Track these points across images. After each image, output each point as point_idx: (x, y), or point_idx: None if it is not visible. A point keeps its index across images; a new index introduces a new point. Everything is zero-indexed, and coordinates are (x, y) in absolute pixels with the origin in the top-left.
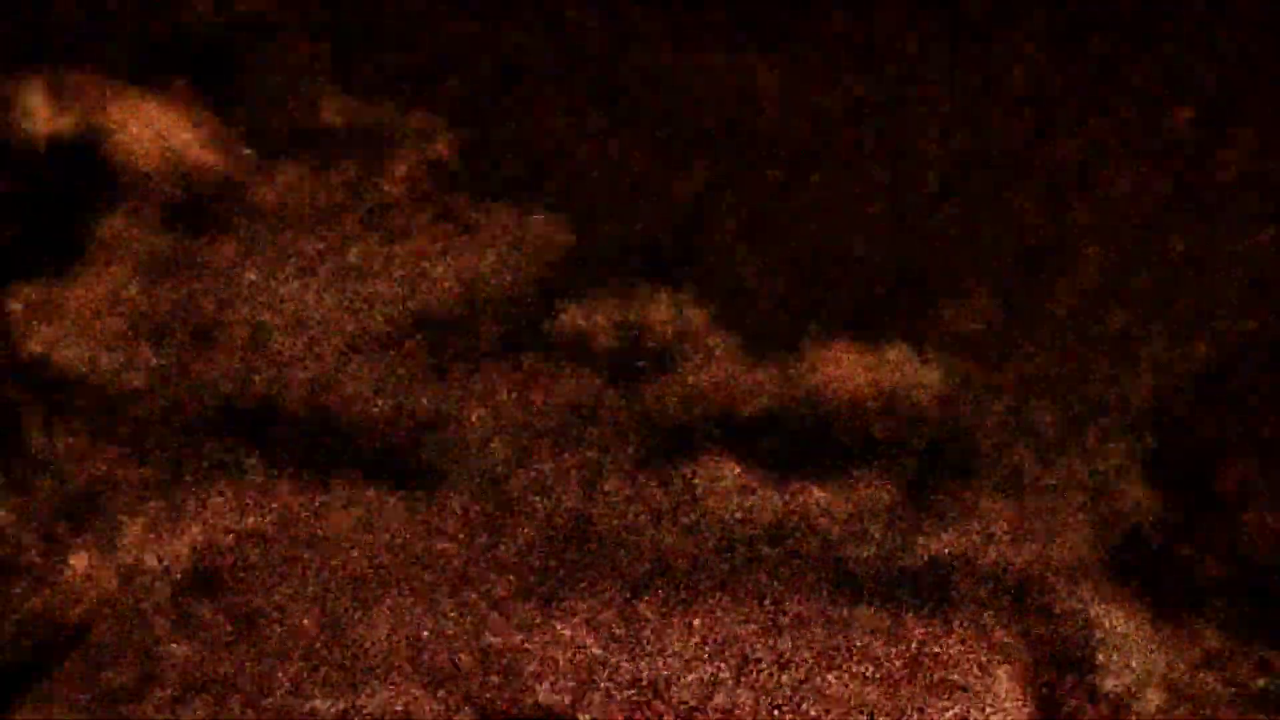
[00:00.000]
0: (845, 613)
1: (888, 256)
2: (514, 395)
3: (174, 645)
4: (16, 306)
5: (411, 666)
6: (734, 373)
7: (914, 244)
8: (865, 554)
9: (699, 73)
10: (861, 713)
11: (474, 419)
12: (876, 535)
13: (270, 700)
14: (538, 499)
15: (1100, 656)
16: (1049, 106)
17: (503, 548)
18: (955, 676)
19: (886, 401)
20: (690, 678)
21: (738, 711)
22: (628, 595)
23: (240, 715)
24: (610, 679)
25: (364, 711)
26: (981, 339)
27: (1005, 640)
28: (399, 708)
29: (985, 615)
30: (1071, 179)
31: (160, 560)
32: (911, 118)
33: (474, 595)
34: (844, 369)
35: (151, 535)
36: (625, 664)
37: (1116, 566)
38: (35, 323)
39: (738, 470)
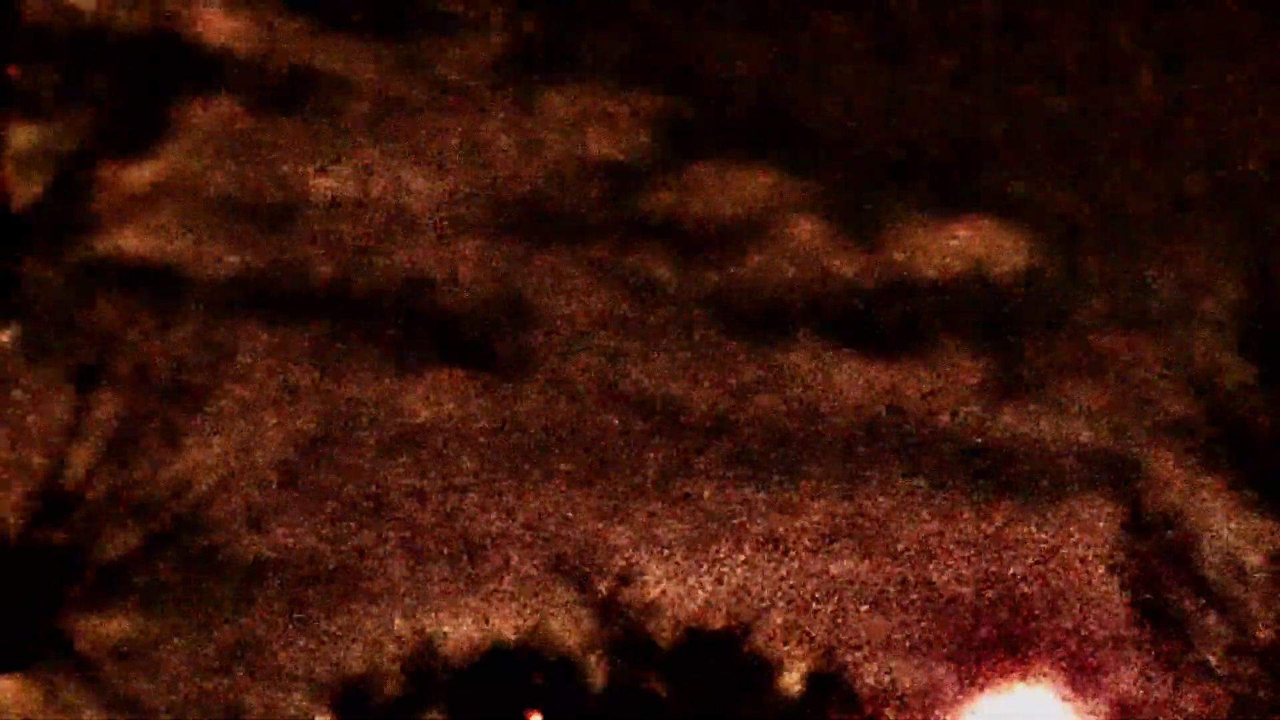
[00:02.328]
0: (936, 494)
1: (977, 131)
2: (600, 278)
3: (273, 534)
4: (102, 192)
5: (505, 549)
6: (819, 252)
7: (1006, 119)
8: (954, 432)
9: None
10: (958, 601)
11: (561, 301)
12: (965, 413)
13: (372, 584)
14: (623, 383)
15: (1197, 539)
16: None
17: (580, 433)
18: (1053, 566)
19: (972, 278)
20: (775, 557)
21: (821, 598)
22: (716, 478)
23: (350, 601)
24: (708, 560)
25: (475, 590)
26: (1074, 216)
27: (1100, 525)
28: (507, 587)
29: (1078, 497)
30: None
31: (261, 447)
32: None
33: (560, 477)
34: (928, 245)
35: (251, 423)
36: (719, 552)
37: (1211, 445)
38: (121, 208)
39: (825, 352)
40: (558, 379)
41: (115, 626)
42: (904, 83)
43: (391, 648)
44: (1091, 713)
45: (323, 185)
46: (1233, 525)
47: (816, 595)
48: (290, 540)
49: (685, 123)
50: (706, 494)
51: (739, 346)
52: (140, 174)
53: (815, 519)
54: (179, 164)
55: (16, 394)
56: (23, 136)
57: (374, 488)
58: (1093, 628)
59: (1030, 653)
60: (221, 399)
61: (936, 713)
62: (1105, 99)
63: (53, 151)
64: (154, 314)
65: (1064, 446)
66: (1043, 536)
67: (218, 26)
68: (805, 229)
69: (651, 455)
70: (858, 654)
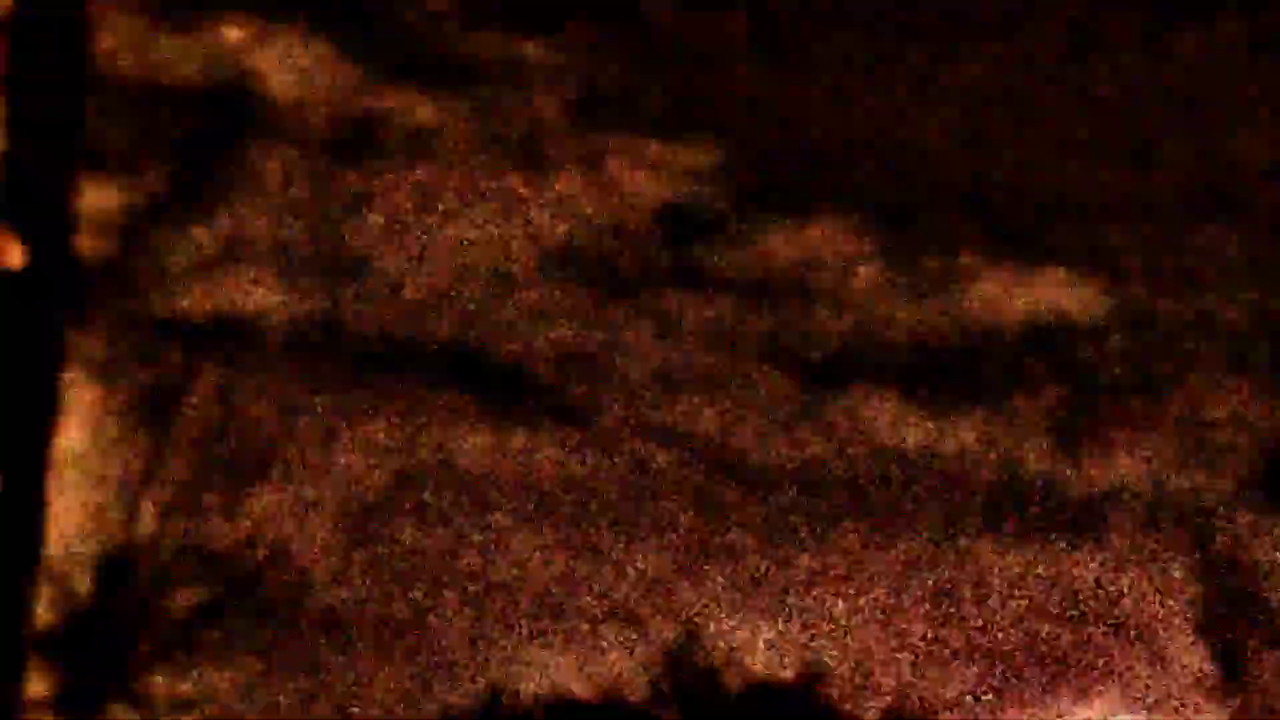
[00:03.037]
0: (1004, 545)
1: (1045, 180)
2: (662, 327)
3: (343, 587)
4: (171, 247)
5: (573, 601)
6: (881, 301)
7: (1079, 170)
8: (1023, 484)
9: (859, 4)
10: (1030, 649)
11: (623, 353)
12: (1034, 465)
13: (439, 639)
14: (685, 431)
15: (1267, 585)
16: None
17: (654, 480)
18: (1123, 614)
19: (1042, 329)
20: (844, 608)
21: (896, 645)
22: (783, 529)
23: (416, 654)
24: (776, 611)
25: (539, 644)
26: (1145, 269)
27: (1175, 578)
28: (575, 640)
29: (1151, 550)
30: (1257, 114)
31: (329, 498)
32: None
33: (626, 528)
34: (997, 296)
35: (318, 477)
36: (787, 603)
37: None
38: (192, 265)
39: (890, 401)
40: (622, 433)
41: (185, 682)
42: (970, 132)
43: (459, 703)
44: None
45: (385, 236)
46: None
47: (886, 645)
48: (357, 595)
49: (747, 172)
50: (774, 545)
51: (803, 398)
52: (207, 228)
53: (883, 570)
54: (245, 218)
55: (87, 449)
56: (93, 195)
57: (441, 542)
58: (1163, 674)
59: (1101, 701)
60: (289, 453)
61: None
62: (1184, 152)
63: (122, 209)
64: (222, 369)
65: (1133, 496)
66: (1113, 585)
67: (282, 78)
68: (867, 278)
69: (718, 508)
70: (927, 704)
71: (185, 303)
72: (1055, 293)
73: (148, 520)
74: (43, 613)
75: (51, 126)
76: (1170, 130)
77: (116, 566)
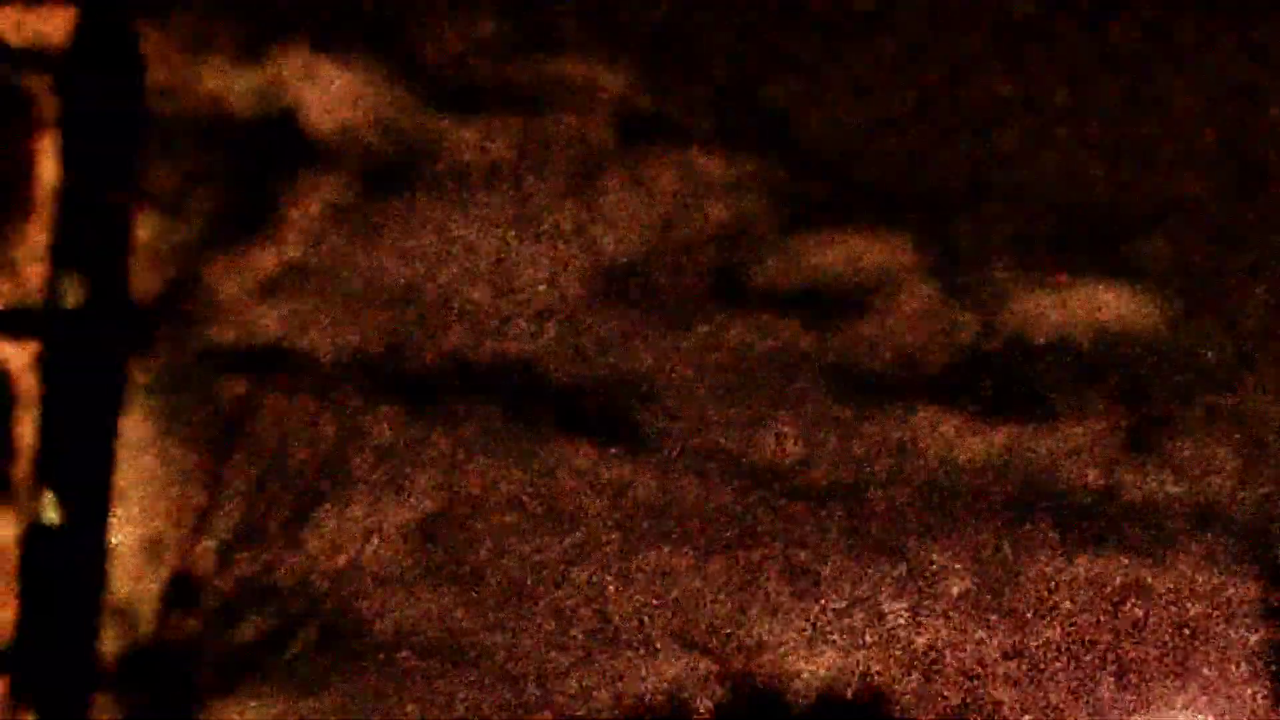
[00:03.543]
0: (1064, 555)
1: (1093, 189)
2: (714, 347)
3: (403, 612)
4: (224, 278)
5: (632, 623)
6: (935, 316)
7: (1126, 175)
8: (1081, 497)
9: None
10: (1092, 656)
11: (677, 373)
12: (1091, 477)
13: (507, 664)
14: (738, 450)
15: None
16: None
17: (708, 500)
18: (1185, 618)
19: (1095, 339)
20: (903, 622)
21: (955, 660)
22: (842, 546)
23: (480, 680)
24: (838, 626)
25: (608, 663)
26: (1200, 273)
27: (1231, 577)
28: (639, 659)
29: (1215, 567)
30: None
31: (388, 529)
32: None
33: (682, 548)
34: (1049, 307)
35: (378, 502)
36: (849, 618)
37: None
38: (243, 294)
39: (945, 416)
40: (680, 452)
41: (242, 710)
42: (1012, 143)
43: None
44: None
45: (437, 262)
46: None
47: (948, 658)
48: (421, 618)
49: (795, 189)
50: (833, 562)
51: (858, 414)
52: (259, 259)
53: (943, 582)
54: (296, 247)
55: (148, 482)
56: (148, 228)
57: (502, 564)
58: (1228, 677)
59: (1165, 707)
60: (348, 479)
61: None
62: (1239, 173)
63: (176, 241)
64: (279, 397)
65: (1193, 503)
66: (1174, 592)
67: (330, 109)
68: (921, 293)
69: (777, 526)
70: (993, 715)
71: (241, 333)
72: (1105, 301)
73: (210, 551)
74: (108, 646)
75: (106, 162)
76: (1211, 135)
77: (180, 598)
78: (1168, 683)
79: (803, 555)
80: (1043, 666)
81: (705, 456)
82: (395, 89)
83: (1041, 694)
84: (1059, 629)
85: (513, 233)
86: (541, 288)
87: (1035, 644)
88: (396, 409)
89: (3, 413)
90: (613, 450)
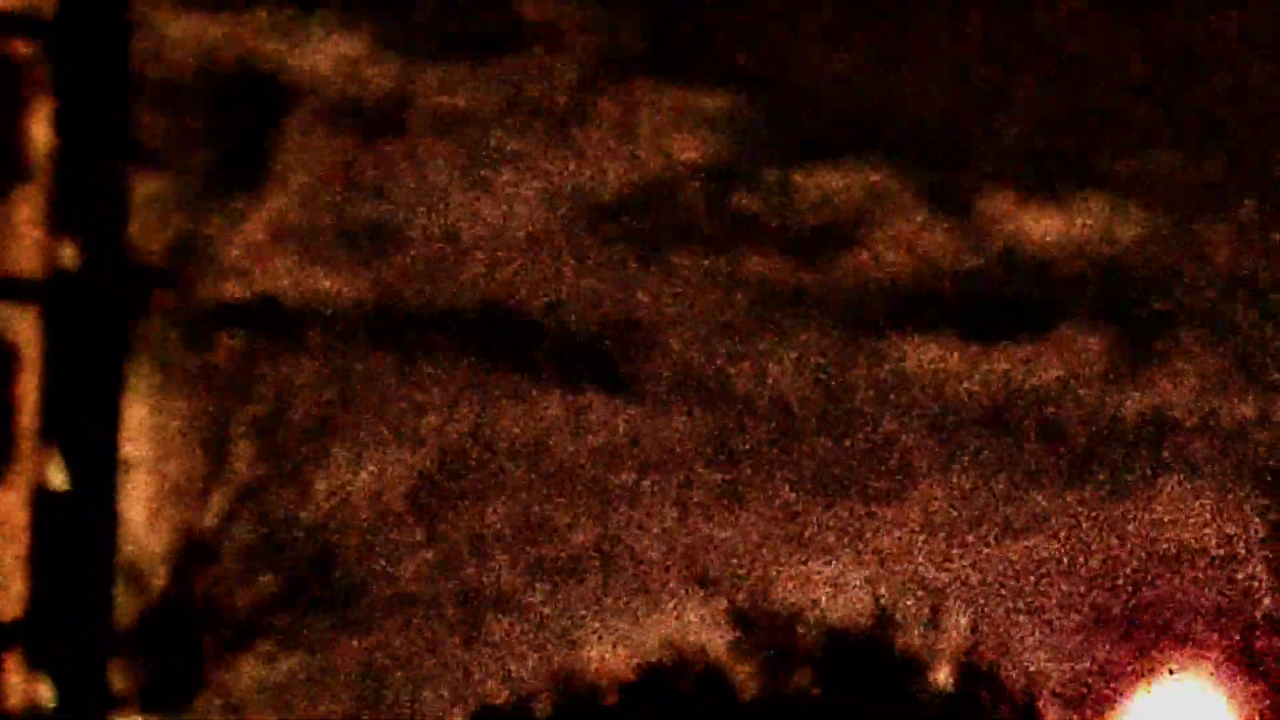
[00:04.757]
0: (1067, 479)
1: (1075, 109)
2: (705, 281)
3: (411, 565)
4: (214, 238)
5: (638, 566)
6: (923, 243)
7: (1104, 95)
8: (1077, 414)
9: None
10: (1100, 586)
11: (669, 309)
12: (1087, 395)
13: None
14: (734, 388)
15: None
16: None
17: (705, 440)
18: (1191, 543)
19: (1086, 259)
20: (909, 554)
21: (960, 591)
22: (844, 479)
23: (487, 623)
24: (846, 562)
25: (619, 607)
26: (1190, 188)
27: (1236, 501)
28: (650, 602)
29: (1210, 475)
30: None
31: (393, 482)
32: None
33: (683, 490)
34: (1033, 228)
35: (381, 458)
36: (856, 553)
37: None
38: (237, 250)
39: (936, 344)
40: (676, 392)
41: (257, 669)
42: (995, 71)
43: (539, 669)
44: (1247, 700)
45: (424, 209)
46: None
47: (957, 590)
48: (427, 573)
49: (780, 121)
50: (832, 496)
51: (849, 346)
52: (253, 215)
53: (947, 513)
54: (288, 201)
55: (152, 444)
56: (143, 190)
57: (508, 514)
58: (1230, 600)
59: (1177, 635)
60: (350, 436)
61: (1086, 703)
62: (1212, 74)
63: (171, 201)
64: (278, 354)
65: (1189, 423)
66: (1173, 513)
67: (313, 61)
68: (908, 220)
69: (781, 462)
70: (1003, 646)
71: (238, 290)
72: (1095, 220)
73: (217, 511)
74: (120, 611)
75: (99, 126)
76: (1201, 55)
77: (188, 559)
78: (1169, 610)
79: (802, 492)
80: (1053, 600)
81: (699, 395)
82: (377, 38)
83: (1048, 623)
84: (1061, 556)
85: (500, 176)
86: (529, 230)
87: (1038, 573)
88: (392, 359)
89: (6, 379)
90: (606, 392)
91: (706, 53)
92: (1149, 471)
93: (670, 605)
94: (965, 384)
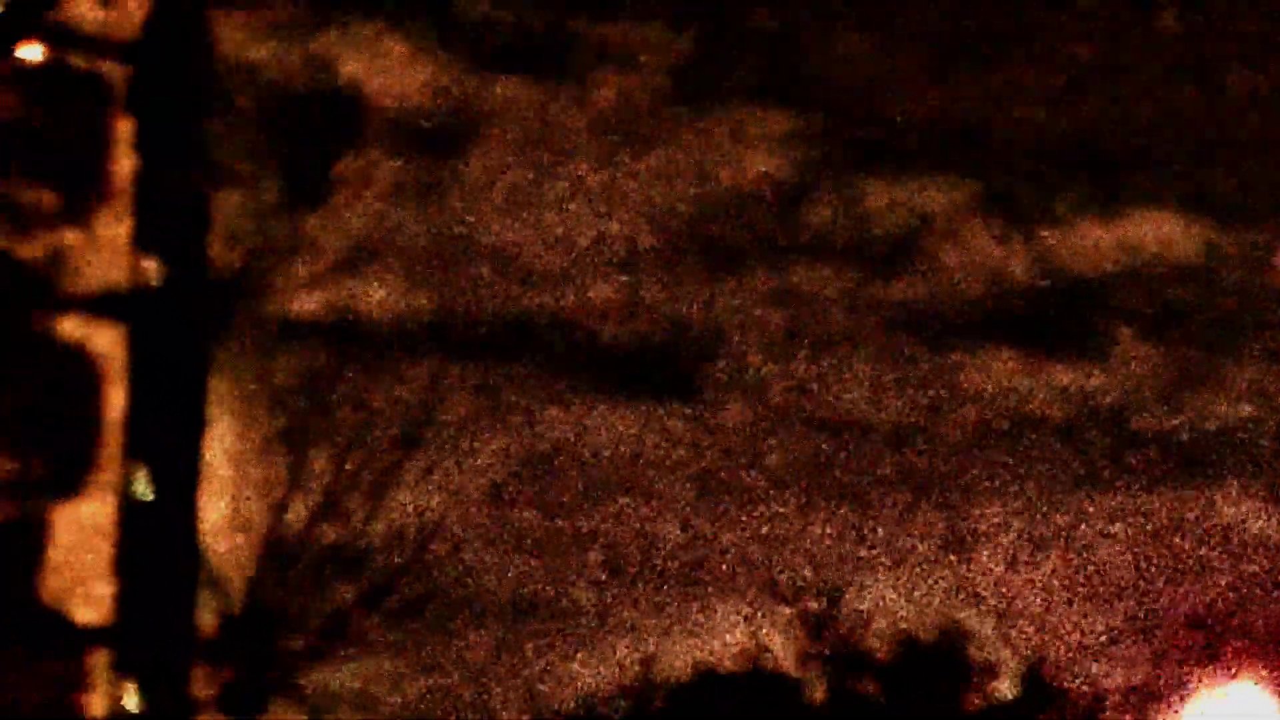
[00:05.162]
0: (1130, 491)
1: (1142, 126)
2: (771, 296)
3: (486, 573)
4: (292, 254)
5: (709, 574)
6: (988, 257)
7: (1169, 114)
8: (1143, 425)
9: None
10: (1162, 595)
11: (734, 324)
12: (1152, 406)
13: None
14: (803, 402)
15: None
16: None
17: (774, 455)
18: (1256, 580)
19: (1150, 271)
20: (976, 564)
21: (1028, 602)
22: (912, 491)
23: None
24: (914, 571)
25: (690, 615)
26: (1249, 201)
27: None
28: (720, 610)
29: (1274, 500)
30: None
31: (469, 490)
32: None
33: (753, 499)
34: (1099, 241)
35: (455, 467)
36: (925, 563)
37: None
38: (319, 267)
39: (1002, 354)
40: (748, 404)
41: (339, 674)
42: (1064, 84)
43: (610, 675)
44: None
45: (495, 224)
46: None
47: (1023, 601)
48: (502, 580)
49: (843, 137)
50: (905, 508)
51: (917, 358)
52: (329, 231)
53: (1014, 524)
54: (362, 217)
55: (234, 455)
56: (221, 207)
57: (582, 522)
58: None
59: (1238, 644)
60: (425, 446)
61: (1149, 709)
62: (1275, 90)
63: (250, 219)
64: (354, 367)
65: (1251, 430)
66: (1235, 525)
67: (384, 77)
68: (973, 233)
69: (846, 474)
70: (1068, 656)
71: (316, 305)
72: (1161, 232)
73: (296, 521)
74: (202, 617)
75: (178, 145)
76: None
77: (270, 568)
78: (1231, 621)
79: (871, 501)
80: (1116, 609)
81: (769, 407)
82: (447, 53)
83: (1118, 638)
84: (1129, 569)
85: (568, 191)
86: (598, 245)
87: (1109, 585)
88: (465, 373)
89: (94, 392)
90: (676, 405)
91: (774, 68)
92: (1215, 482)
93: (741, 613)
94: (1032, 396)
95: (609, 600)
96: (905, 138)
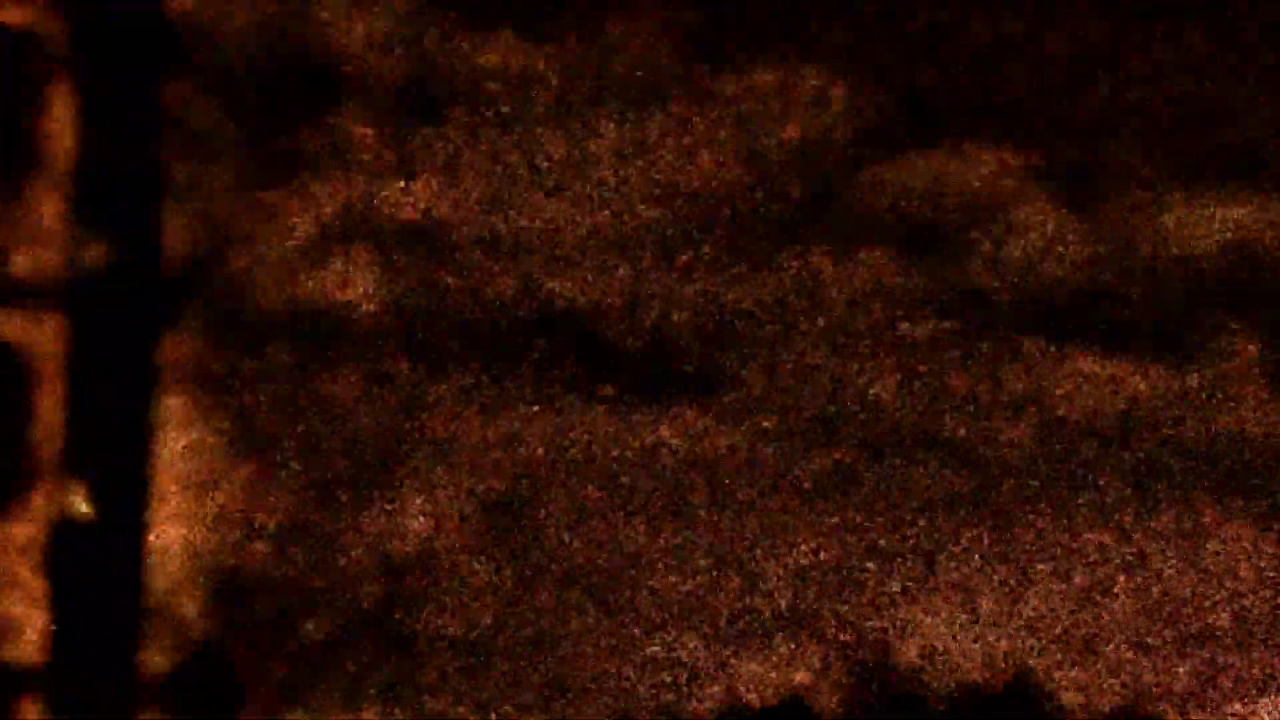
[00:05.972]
0: (1213, 516)
1: (1229, 91)
2: (800, 284)
3: (475, 609)
4: (255, 239)
5: (749, 603)
6: (1045, 241)
7: (1261, 74)
8: (1228, 438)
9: None
10: (1250, 636)
11: (758, 316)
12: (1240, 411)
13: (582, 652)
14: (836, 404)
15: None
16: None
17: (806, 463)
18: None
19: (1231, 263)
20: (1038, 596)
21: (1101, 634)
22: (970, 513)
23: (563, 670)
24: (970, 604)
25: (715, 651)
26: None
27: None
28: (750, 645)
29: None
30: None
31: (451, 515)
32: None
33: (779, 518)
34: (1179, 224)
35: (443, 484)
36: (982, 595)
37: None
38: (286, 252)
39: (1065, 355)
40: (772, 411)
41: (313, 718)
42: (1139, 48)
43: (622, 712)
44: None
45: (494, 203)
46: None
47: (1097, 640)
48: (496, 613)
49: (884, 101)
50: (954, 528)
51: (974, 355)
52: (299, 211)
53: (1083, 553)
54: (333, 196)
55: (188, 469)
56: (176, 183)
57: (578, 550)
58: None
59: None
60: (404, 460)
61: None
62: None
63: (208, 197)
64: (327, 368)
65: None
66: None
67: (358, 36)
68: (1028, 217)
69: (897, 489)
70: (1141, 699)
71: (283, 295)
72: (1242, 221)
73: (261, 544)
74: (151, 655)
75: (127, 109)
76: None
77: (226, 600)
78: None
79: (921, 522)
80: (1197, 651)
81: (801, 415)
82: (435, 7)
83: (1199, 682)
84: (1211, 598)
85: (568, 164)
86: (603, 224)
87: (1186, 617)
88: (449, 374)
89: (24, 396)
90: (693, 412)
91: (805, 23)
92: None
93: (773, 653)
94: (1093, 403)
95: (620, 643)
96: (955, 102)
